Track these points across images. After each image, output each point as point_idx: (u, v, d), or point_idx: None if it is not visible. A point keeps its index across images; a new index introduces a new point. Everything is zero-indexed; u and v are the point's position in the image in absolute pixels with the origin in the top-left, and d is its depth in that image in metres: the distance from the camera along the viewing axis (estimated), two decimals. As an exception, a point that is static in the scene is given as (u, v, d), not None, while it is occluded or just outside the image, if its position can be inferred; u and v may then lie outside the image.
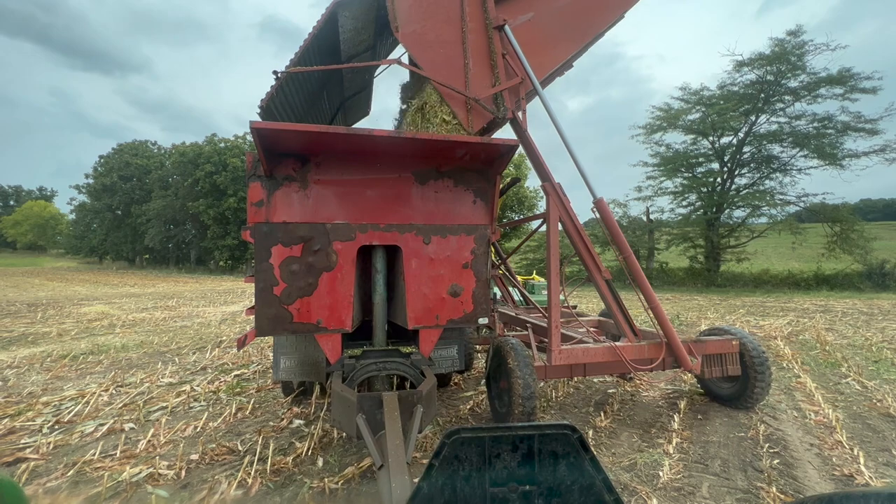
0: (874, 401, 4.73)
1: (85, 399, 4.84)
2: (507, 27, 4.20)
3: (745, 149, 22.33)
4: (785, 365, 6.24)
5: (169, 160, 49.16)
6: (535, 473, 1.02)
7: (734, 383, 4.46)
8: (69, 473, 3.20)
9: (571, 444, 1.04)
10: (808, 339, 8.20)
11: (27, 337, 8.93)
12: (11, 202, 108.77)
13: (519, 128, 4.31)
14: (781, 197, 21.35)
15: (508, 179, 7.35)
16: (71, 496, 2.89)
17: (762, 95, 21.01)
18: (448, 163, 3.40)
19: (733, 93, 21.68)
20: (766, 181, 22.14)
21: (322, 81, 5.22)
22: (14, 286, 24.67)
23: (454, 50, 4.11)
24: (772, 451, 3.53)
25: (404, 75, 5.26)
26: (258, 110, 4.08)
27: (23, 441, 3.78)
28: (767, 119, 21.71)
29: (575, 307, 6.75)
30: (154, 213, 46.55)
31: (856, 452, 3.46)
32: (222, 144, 43.98)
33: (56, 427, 4.11)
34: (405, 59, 4.65)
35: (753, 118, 21.69)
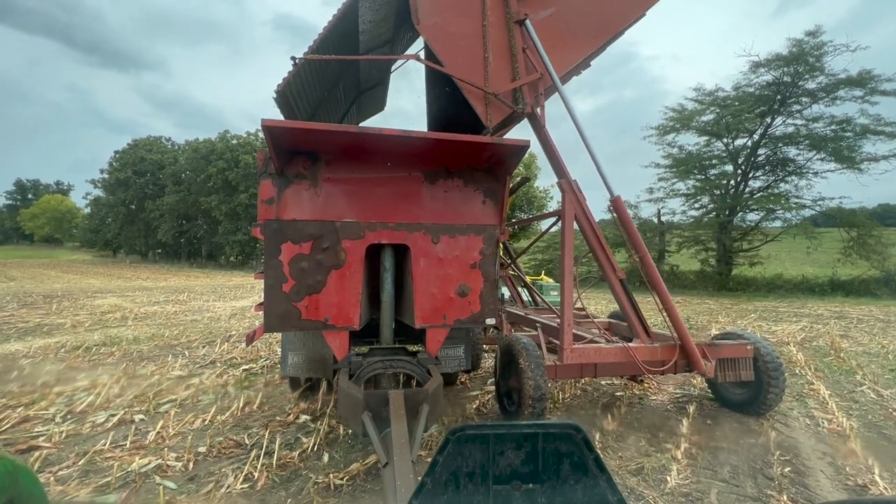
0: (890, 410, 4.63)
1: (97, 390, 4.93)
2: (528, 22, 4.16)
3: (760, 151, 21.92)
4: (798, 371, 6.12)
5: (182, 156, 49.80)
6: (539, 472, 1.01)
7: (746, 388, 4.39)
8: (80, 462, 3.26)
9: (575, 444, 1.03)
10: (822, 345, 8.04)
11: (42, 328, 9.12)
12: (30, 195, 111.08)
13: (537, 123, 4.27)
14: (797, 200, 20.89)
15: (518, 179, 7.29)
16: (81, 485, 2.94)
17: (778, 97, 20.60)
18: (458, 162, 3.39)
19: (749, 94, 21.25)
20: (781, 184, 21.71)
21: (338, 72, 5.20)
22: (31, 278, 25.22)
23: (474, 43, 4.08)
24: (783, 458, 3.47)
25: (419, 76, 5.26)
26: (274, 94, 4.09)
27: (36, 429, 3.86)
28: (784, 121, 21.29)
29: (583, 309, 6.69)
30: (167, 208, 47.24)
31: (870, 462, 3.38)
32: (234, 141, 44.50)
33: (68, 417, 4.19)
34: (423, 55, 4.63)
35: (769, 120, 21.27)
